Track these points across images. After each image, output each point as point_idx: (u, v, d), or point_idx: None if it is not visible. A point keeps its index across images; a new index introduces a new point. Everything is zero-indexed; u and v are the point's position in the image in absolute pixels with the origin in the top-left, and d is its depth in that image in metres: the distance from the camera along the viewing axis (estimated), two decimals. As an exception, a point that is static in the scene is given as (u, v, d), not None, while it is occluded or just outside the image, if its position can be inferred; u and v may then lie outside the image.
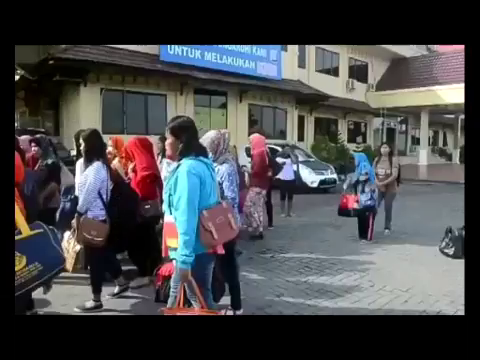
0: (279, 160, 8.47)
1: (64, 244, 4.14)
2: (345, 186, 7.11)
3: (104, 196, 3.91)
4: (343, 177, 13.28)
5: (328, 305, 4.27)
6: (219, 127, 13.71)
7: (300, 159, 13.19)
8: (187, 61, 13.67)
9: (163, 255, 2.88)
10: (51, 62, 11.04)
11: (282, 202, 8.97)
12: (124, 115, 13.11)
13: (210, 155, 3.33)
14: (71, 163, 4.93)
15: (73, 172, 4.71)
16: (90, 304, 4.01)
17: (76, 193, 4.07)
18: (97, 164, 3.86)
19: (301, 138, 19.24)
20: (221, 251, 2.84)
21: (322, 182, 13.06)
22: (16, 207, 2.75)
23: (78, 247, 4.16)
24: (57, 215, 4.32)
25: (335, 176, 13.46)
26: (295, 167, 8.94)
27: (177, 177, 2.62)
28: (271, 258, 5.96)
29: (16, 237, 2.65)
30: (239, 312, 3.89)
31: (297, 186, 9.26)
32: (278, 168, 7.67)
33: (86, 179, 3.81)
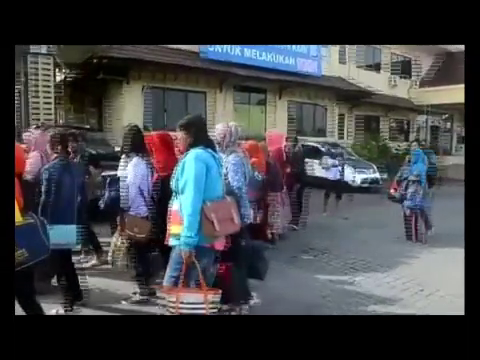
0: (328, 161, 8.21)
1: (113, 240, 4.18)
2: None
3: (145, 192, 3.91)
4: (385, 176, 12.89)
5: (376, 308, 4.12)
6: (258, 124, 13.66)
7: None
8: (227, 58, 13.70)
9: (165, 242, 2.94)
10: (95, 61, 11.30)
11: (326, 200, 8.76)
12: (165, 112, 13.26)
13: (217, 147, 3.41)
14: (116, 159, 5.03)
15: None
16: (137, 298, 4.08)
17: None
18: (136, 160, 3.89)
19: (341, 136, 18.83)
20: (220, 246, 2.94)
21: (364, 181, 12.71)
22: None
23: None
24: (102, 205, 4.24)
25: (378, 175, 13.09)
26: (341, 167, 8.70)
27: (184, 162, 2.77)
28: (315, 258, 5.83)
29: None
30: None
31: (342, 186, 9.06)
32: (299, 166, 7.41)
33: (127, 175, 3.86)
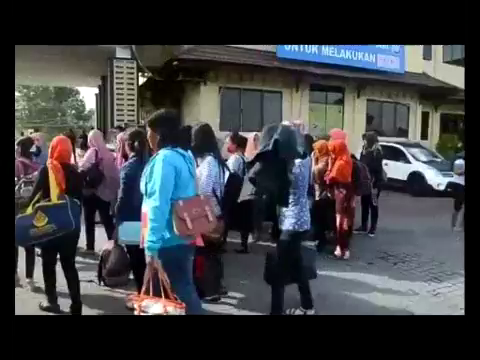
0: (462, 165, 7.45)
1: None
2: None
3: (218, 192, 3.93)
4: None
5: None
6: (335, 124, 13.30)
7: (424, 159, 12.15)
8: (303, 57, 13.56)
9: (140, 246, 2.85)
10: (175, 63, 11.70)
11: (456, 212, 7.86)
12: (241, 112, 13.40)
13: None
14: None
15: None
16: (208, 296, 4.16)
17: None
18: (209, 159, 3.90)
19: (424, 136, 17.83)
20: (200, 243, 2.90)
21: (451, 185, 11.85)
22: (53, 180, 3.44)
23: None
24: None
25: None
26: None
27: (153, 165, 2.69)
28: (394, 265, 5.51)
29: (46, 203, 3.40)
30: (310, 312, 3.88)
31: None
32: (376, 167, 7.11)
33: (201, 174, 3.86)
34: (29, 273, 4.14)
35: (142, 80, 14.52)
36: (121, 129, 7.56)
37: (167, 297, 2.62)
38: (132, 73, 11.85)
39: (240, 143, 5.58)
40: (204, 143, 3.95)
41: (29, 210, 3.38)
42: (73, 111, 45.72)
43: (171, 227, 2.63)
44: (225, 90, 13.03)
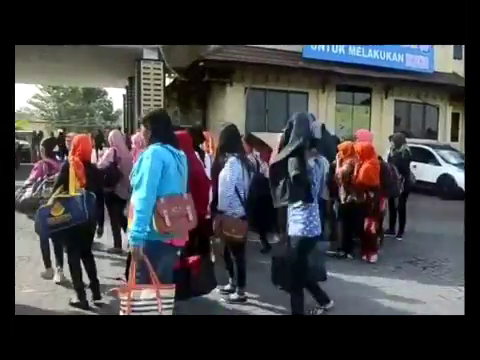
0: None
1: None
2: None
3: (241, 192, 3.96)
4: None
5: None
6: (362, 125, 13.12)
7: (454, 161, 11.86)
8: (330, 57, 13.49)
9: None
10: (201, 64, 11.78)
11: None
12: (266, 113, 13.38)
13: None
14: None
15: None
16: (235, 296, 4.22)
17: None
18: (232, 159, 3.93)
19: (455, 138, 17.37)
20: (179, 243, 2.93)
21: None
22: (73, 175, 3.77)
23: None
24: None
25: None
26: None
27: (141, 158, 2.79)
28: (423, 270, 5.39)
29: (64, 195, 3.75)
30: (329, 305, 3.94)
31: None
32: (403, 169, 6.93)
33: (224, 174, 3.91)
34: (59, 262, 4.61)
35: (168, 81, 14.67)
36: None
37: (157, 282, 2.74)
38: (159, 74, 11.99)
39: (254, 143, 5.65)
40: (229, 143, 4.00)
41: (49, 202, 3.75)
42: (101, 111, 46.60)
43: (151, 223, 2.71)
44: (251, 91, 13.05)
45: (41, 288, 4.43)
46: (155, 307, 2.69)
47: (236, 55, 12.08)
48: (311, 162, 3.40)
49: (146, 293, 2.69)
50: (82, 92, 42.81)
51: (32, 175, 4.37)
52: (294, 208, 3.38)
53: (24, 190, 4.29)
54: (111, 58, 13.06)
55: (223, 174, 3.89)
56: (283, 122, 12.44)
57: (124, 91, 22.20)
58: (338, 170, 5.70)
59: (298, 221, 3.35)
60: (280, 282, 3.80)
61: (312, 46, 13.20)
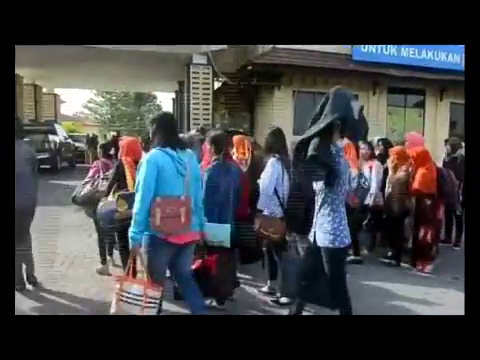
0: None
1: None
2: None
3: (280, 192, 4.03)
4: None
5: None
6: (415, 129, 12.66)
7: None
8: (381, 59, 13.20)
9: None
10: (249, 68, 11.81)
11: None
12: (315, 117, 13.19)
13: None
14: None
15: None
16: (285, 300, 4.18)
17: None
18: (272, 160, 4.03)
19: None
20: (175, 240, 3.01)
21: None
22: (129, 173, 4.03)
23: None
24: None
25: None
26: None
27: (141, 164, 3.06)
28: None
29: (125, 192, 3.95)
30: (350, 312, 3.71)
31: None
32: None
33: (265, 175, 4.03)
34: (110, 252, 4.89)
35: (217, 85, 14.85)
36: (203, 131, 7.78)
37: (148, 280, 2.97)
38: (208, 78, 12.21)
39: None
40: (273, 145, 4.13)
41: (110, 198, 3.98)
42: (150, 115, 47.93)
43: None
44: (299, 94, 12.94)
45: (97, 283, 4.59)
46: (140, 303, 2.88)
47: (284, 58, 12.05)
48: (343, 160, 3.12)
49: (136, 288, 2.93)
50: (133, 96, 44.19)
51: (90, 173, 4.79)
52: (322, 216, 3.10)
53: (83, 186, 4.67)
54: (162, 63, 13.40)
55: (263, 175, 4.02)
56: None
57: (173, 95, 22.72)
58: (393, 178, 5.51)
59: (327, 231, 3.08)
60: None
61: (362, 48, 12.94)
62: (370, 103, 13.88)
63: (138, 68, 14.88)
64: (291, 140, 5.23)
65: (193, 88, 12.14)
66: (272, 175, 3.96)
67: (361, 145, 5.49)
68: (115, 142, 7.86)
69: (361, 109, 3.16)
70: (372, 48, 13.16)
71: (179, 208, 2.96)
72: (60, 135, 15.74)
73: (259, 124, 13.94)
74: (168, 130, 3.08)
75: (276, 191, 3.98)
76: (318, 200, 3.12)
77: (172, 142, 3.04)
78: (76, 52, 11.87)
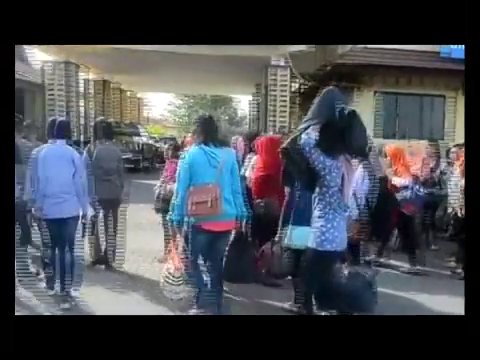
0: None
1: None
2: None
3: (358, 194, 4.10)
4: None
5: None
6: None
7: None
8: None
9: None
10: (328, 69, 11.55)
11: None
12: (397, 118, 12.60)
13: None
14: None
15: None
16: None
17: None
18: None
19: None
20: (208, 227, 3.40)
21: None
22: None
23: None
24: None
25: None
26: None
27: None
28: None
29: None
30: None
31: None
32: None
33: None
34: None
35: (294, 86, 14.72)
36: (283, 134, 7.82)
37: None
38: (285, 80, 12.16)
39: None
40: None
41: None
42: (226, 117, 48.85)
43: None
44: (380, 95, 12.41)
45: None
46: (170, 281, 3.48)
47: (365, 58, 11.61)
48: (329, 159, 2.99)
49: (171, 268, 3.50)
50: (210, 99, 45.36)
51: (164, 173, 5.05)
52: (313, 216, 3.14)
53: (160, 187, 4.94)
54: (240, 66, 13.57)
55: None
56: (416, 128, 11.54)
57: (250, 97, 22.94)
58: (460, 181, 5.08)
59: (314, 230, 3.09)
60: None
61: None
62: (458, 104, 12.94)
63: (217, 72, 15.20)
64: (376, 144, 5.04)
65: (270, 90, 12.16)
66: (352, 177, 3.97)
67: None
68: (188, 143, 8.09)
69: (352, 114, 2.97)
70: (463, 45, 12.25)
71: (207, 194, 3.34)
72: (143, 136, 16.53)
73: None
74: (205, 129, 3.53)
75: (354, 193, 4.01)
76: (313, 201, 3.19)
77: (207, 140, 3.49)
78: (159, 58, 12.42)
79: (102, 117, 7.21)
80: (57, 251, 3.89)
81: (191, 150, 3.52)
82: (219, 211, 3.33)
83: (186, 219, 3.42)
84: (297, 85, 15.05)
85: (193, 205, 3.34)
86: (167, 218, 3.56)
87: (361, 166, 4.06)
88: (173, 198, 3.50)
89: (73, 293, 3.89)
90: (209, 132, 3.54)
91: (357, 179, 4.02)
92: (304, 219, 3.68)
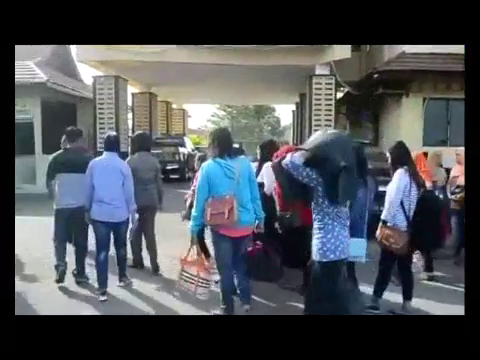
0: None
1: None
2: None
3: (406, 205, 4.02)
4: None
5: None
6: None
7: None
8: None
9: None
10: (375, 76, 11.28)
11: None
12: (448, 125, 12.09)
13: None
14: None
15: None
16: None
17: None
18: (400, 171, 4.05)
19: None
20: (228, 233, 3.66)
21: None
22: None
23: None
24: None
25: None
26: None
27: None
28: None
29: None
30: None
31: None
32: None
33: (392, 187, 4.05)
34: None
35: (338, 95, 14.50)
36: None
37: (202, 265, 3.81)
38: (330, 89, 11.98)
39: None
40: (398, 157, 4.18)
41: None
42: (269, 127, 48.91)
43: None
44: (430, 101, 11.97)
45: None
46: (194, 282, 3.72)
47: (414, 63, 11.25)
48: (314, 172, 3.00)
49: (193, 269, 3.77)
50: (253, 109, 45.61)
51: (193, 183, 4.95)
52: (314, 227, 3.19)
53: (191, 196, 4.93)
54: (284, 76, 13.53)
55: (390, 185, 4.05)
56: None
57: (293, 107, 22.84)
58: None
59: (315, 243, 3.13)
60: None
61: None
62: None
63: (261, 82, 15.25)
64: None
65: (315, 99, 11.99)
66: (399, 186, 3.96)
67: None
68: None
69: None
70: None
71: (224, 205, 3.56)
72: (188, 147, 16.82)
73: (385, 135, 13.24)
74: (220, 143, 3.72)
75: (402, 203, 3.98)
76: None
77: (222, 153, 3.68)
78: (204, 70, 12.62)
79: (140, 131, 7.35)
80: (103, 252, 4.44)
81: (208, 163, 3.72)
82: (235, 221, 3.56)
83: (210, 227, 3.76)
84: (341, 94, 14.85)
85: (210, 216, 3.60)
86: (189, 228, 3.77)
87: (407, 174, 3.99)
88: (193, 209, 3.74)
89: (120, 284, 4.70)
90: (224, 145, 3.72)
91: (404, 188, 3.97)
92: (357, 230, 3.73)
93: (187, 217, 4.89)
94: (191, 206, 4.62)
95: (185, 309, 3.99)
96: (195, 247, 3.83)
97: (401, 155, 4.17)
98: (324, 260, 3.04)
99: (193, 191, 4.98)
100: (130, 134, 13.25)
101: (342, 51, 11.00)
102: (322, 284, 3.10)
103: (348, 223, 3.15)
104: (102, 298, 4.31)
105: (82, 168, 4.47)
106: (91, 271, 4.78)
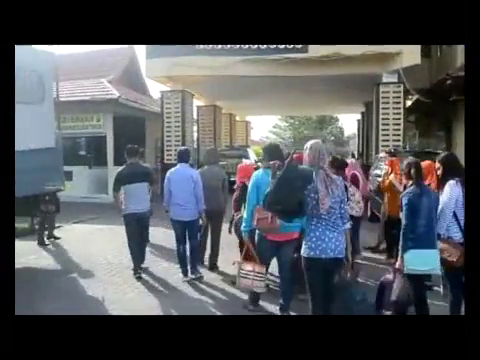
0: None
1: None
2: None
3: (460, 217, 3.84)
4: None
5: None
6: None
7: None
8: None
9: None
10: (448, 82, 10.65)
11: None
12: None
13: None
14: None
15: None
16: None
17: None
18: (451, 183, 3.92)
19: None
20: (271, 237, 4.16)
21: None
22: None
23: None
24: None
25: None
26: None
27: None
28: None
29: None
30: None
31: None
32: None
33: (444, 198, 3.96)
34: None
35: (407, 103, 13.87)
36: (391, 154, 7.32)
37: (256, 260, 4.31)
38: (398, 97, 11.49)
39: (339, 167, 5.54)
40: (449, 169, 4.10)
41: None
42: (332, 137, 48.10)
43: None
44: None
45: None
46: (251, 277, 4.24)
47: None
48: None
49: (249, 266, 4.32)
50: (315, 120, 45.11)
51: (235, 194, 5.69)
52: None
53: None
54: (348, 86, 13.21)
55: (442, 197, 3.95)
56: None
57: (358, 116, 22.23)
58: None
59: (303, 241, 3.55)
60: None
61: None
62: None
63: (324, 92, 15.01)
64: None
65: (382, 108, 11.56)
66: (451, 198, 3.84)
67: None
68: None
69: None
70: None
71: (268, 212, 3.86)
72: (251, 158, 16.93)
73: (458, 143, 12.45)
74: (270, 156, 4.20)
75: (455, 215, 3.84)
76: None
77: (272, 164, 3.98)
78: (268, 82, 12.64)
79: (211, 146, 8.65)
80: (181, 245, 5.48)
81: (257, 173, 4.35)
82: (278, 226, 3.96)
83: (258, 231, 4.28)
84: (410, 102, 14.20)
85: (257, 220, 4.10)
86: (241, 229, 4.37)
87: (459, 184, 3.87)
88: (244, 212, 4.43)
89: (192, 276, 5.46)
90: (273, 158, 4.05)
91: (456, 199, 3.85)
92: (428, 241, 3.72)
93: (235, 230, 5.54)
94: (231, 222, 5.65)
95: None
96: (249, 246, 4.35)
97: (452, 166, 4.10)
98: (305, 255, 3.39)
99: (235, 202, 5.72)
100: (195, 146, 13.55)
101: (411, 57, 10.56)
102: (308, 279, 3.40)
103: (345, 226, 3.36)
104: (185, 279, 5.42)
105: (142, 178, 5.72)
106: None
